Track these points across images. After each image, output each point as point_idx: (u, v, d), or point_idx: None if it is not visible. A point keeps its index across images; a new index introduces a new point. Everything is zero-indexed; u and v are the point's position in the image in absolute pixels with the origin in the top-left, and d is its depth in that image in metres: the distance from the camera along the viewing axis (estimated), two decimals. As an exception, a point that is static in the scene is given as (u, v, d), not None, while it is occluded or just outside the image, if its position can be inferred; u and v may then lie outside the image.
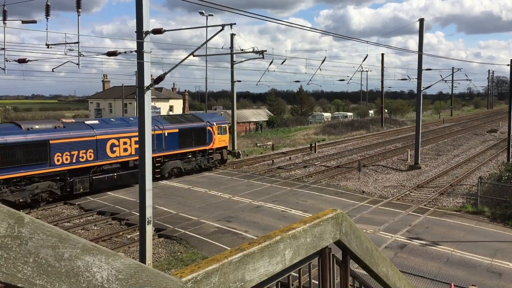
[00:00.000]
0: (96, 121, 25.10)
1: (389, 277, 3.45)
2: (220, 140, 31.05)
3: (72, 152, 22.23)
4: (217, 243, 16.45)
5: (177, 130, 27.71)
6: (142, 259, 13.76)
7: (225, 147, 32.05)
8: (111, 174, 24.21)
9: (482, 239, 17.07)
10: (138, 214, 14.82)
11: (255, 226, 18.47)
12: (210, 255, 14.71)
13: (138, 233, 15.16)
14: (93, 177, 23.41)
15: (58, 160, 21.63)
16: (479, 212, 20.71)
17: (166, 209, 21.03)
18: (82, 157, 22.73)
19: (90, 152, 23.02)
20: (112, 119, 26.80)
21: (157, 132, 25.76)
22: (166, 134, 26.85)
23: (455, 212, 20.88)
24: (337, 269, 3.07)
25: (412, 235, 17.32)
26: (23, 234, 1.23)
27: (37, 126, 21.50)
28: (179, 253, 15.90)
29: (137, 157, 21.37)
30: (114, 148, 24.31)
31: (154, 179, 24.56)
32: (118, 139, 24.48)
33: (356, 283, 3.48)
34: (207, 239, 16.94)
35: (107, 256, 1.42)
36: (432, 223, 18.99)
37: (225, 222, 19.03)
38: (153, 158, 24.98)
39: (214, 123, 30.70)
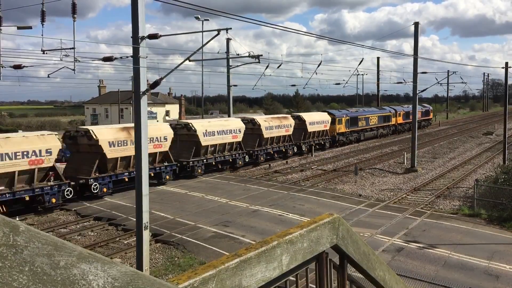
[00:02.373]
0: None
1: (387, 281, 3.45)
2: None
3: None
4: (214, 248, 16.40)
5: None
6: (139, 264, 13.72)
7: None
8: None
9: (479, 241, 17.10)
10: (135, 219, 14.78)
11: (252, 230, 18.45)
12: (208, 260, 14.68)
13: (135, 238, 15.12)
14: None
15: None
16: (475, 214, 20.75)
17: (163, 214, 20.98)
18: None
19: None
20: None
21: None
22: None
23: (451, 215, 20.92)
24: (334, 273, 3.07)
25: (409, 238, 17.33)
26: (18, 242, 1.23)
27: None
28: (176, 259, 15.85)
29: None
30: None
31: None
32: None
33: (354, 287, 3.47)
34: (205, 244, 16.90)
35: (103, 263, 1.42)
36: (429, 226, 19.01)
37: (222, 226, 19.00)
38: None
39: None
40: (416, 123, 33.72)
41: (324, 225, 2.72)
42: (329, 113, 45.88)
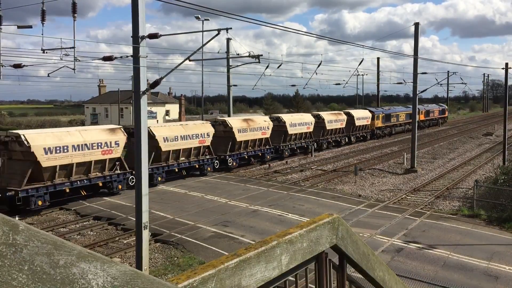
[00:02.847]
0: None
1: (386, 281, 3.45)
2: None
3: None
4: (214, 248, 16.40)
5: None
6: (139, 264, 13.72)
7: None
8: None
9: (479, 242, 17.10)
10: (134, 219, 14.77)
11: (252, 230, 18.45)
12: (207, 260, 14.69)
13: (135, 238, 15.11)
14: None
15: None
16: (475, 215, 20.76)
17: (162, 214, 20.98)
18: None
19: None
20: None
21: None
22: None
23: (451, 216, 20.92)
24: (334, 273, 3.07)
25: (409, 239, 17.33)
26: (18, 241, 1.23)
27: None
28: (175, 258, 15.85)
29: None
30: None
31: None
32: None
33: (353, 287, 3.47)
34: (204, 244, 16.90)
35: (103, 263, 1.42)
36: (428, 226, 19.02)
37: (222, 226, 18.99)
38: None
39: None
40: (416, 124, 33.75)
41: (323, 225, 2.72)
42: (369, 111, 53.02)
